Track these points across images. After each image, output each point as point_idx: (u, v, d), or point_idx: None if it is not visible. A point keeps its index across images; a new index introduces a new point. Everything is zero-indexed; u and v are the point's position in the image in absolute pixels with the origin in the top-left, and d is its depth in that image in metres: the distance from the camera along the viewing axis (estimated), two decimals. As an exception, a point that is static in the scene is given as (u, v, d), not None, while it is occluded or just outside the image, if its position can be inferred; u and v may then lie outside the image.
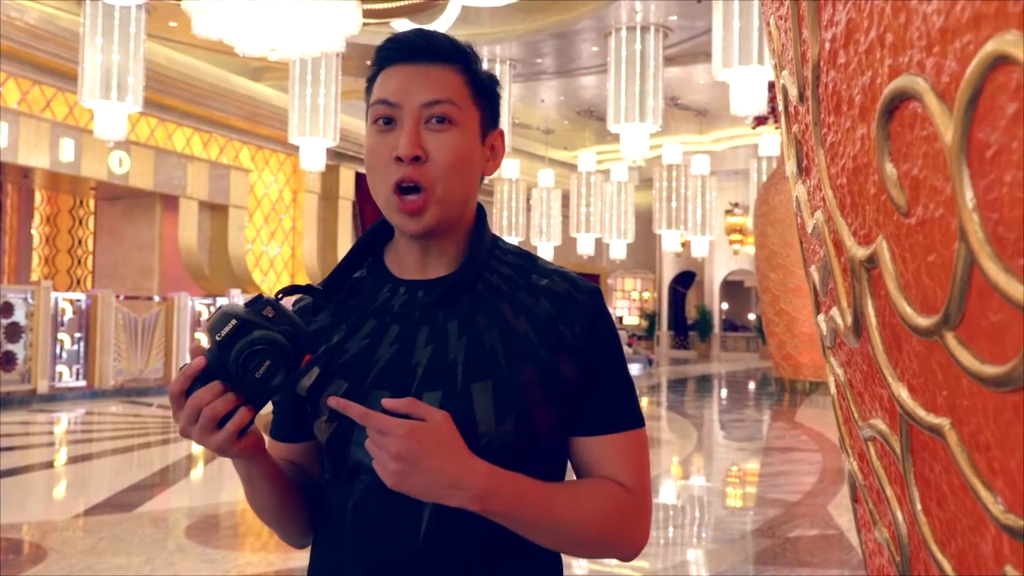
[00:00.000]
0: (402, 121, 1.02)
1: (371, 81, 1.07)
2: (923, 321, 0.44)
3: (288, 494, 1.07)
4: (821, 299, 0.65)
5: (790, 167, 0.70)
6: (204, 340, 1.00)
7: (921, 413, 0.46)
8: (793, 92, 0.62)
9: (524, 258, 1.11)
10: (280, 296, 1.03)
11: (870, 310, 0.50)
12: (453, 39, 1.07)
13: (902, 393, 0.47)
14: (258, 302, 0.97)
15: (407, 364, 1.02)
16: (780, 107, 0.71)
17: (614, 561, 5.22)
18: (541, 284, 1.07)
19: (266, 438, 1.06)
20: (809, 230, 0.64)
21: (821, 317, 0.66)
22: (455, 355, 1.01)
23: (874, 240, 0.48)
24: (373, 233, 1.13)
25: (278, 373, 0.94)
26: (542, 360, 1.02)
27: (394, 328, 1.04)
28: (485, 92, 1.08)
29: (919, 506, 0.48)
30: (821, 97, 0.54)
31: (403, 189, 1.01)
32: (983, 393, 0.40)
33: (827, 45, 0.51)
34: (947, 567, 0.46)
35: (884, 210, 0.46)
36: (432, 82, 1.02)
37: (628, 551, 1.04)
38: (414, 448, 0.92)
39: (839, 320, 0.57)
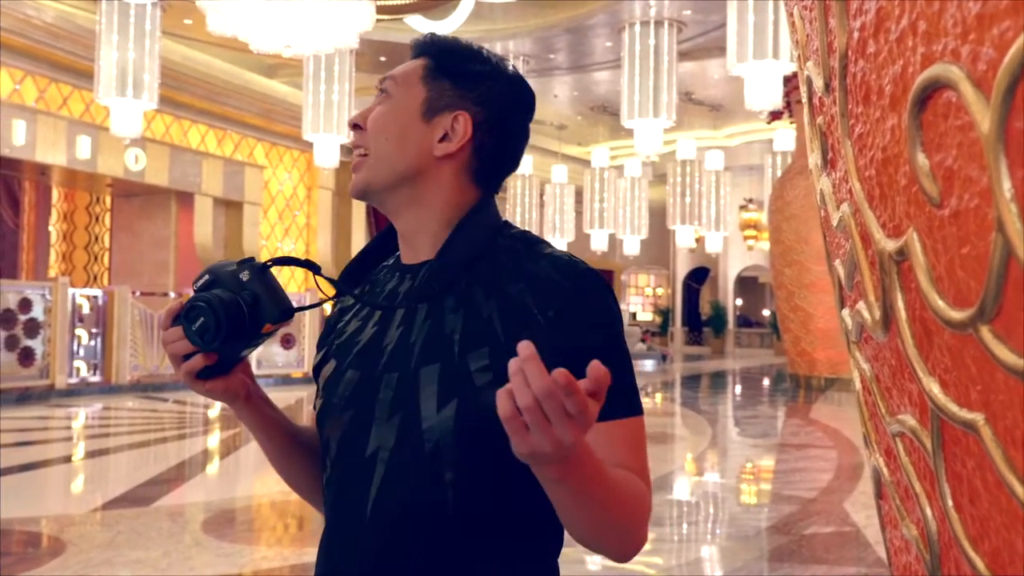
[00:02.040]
0: None
1: None
2: (956, 315, 0.43)
3: (290, 452, 1.14)
4: (846, 293, 0.64)
5: (814, 159, 0.69)
6: None
7: (954, 408, 0.45)
8: (818, 83, 0.61)
9: (526, 244, 1.08)
10: (269, 264, 1.06)
11: (900, 304, 0.49)
12: (446, 39, 1.13)
13: (933, 388, 0.47)
14: (244, 264, 1.04)
15: (379, 346, 1.05)
16: (804, 99, 0.70)
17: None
18: (526, 268, 1.03)
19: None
20: (834, 223, 0.63)
21: (846, 311, 0.65)
22: (415, 338, 1.03)
23: (904, 232, 0.47)
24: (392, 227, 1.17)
25: (208, 332, 1.00)
26: (500, 346, 0.97)
27: (378, 312, 1.09)
28: (443, 75, 1.08)
29: (950, 503, 0.47)
30: (849, 87, 0.53)
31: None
32: (1019, 387, 0.39)
33: (856, 34, 0.51)
34: (979, 565, 0.45)
35: (915, 202, 0.45)
36: (401, 69, 1.12)
37: (631, 549, 0.98)
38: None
39: (866, 314, 0.57)
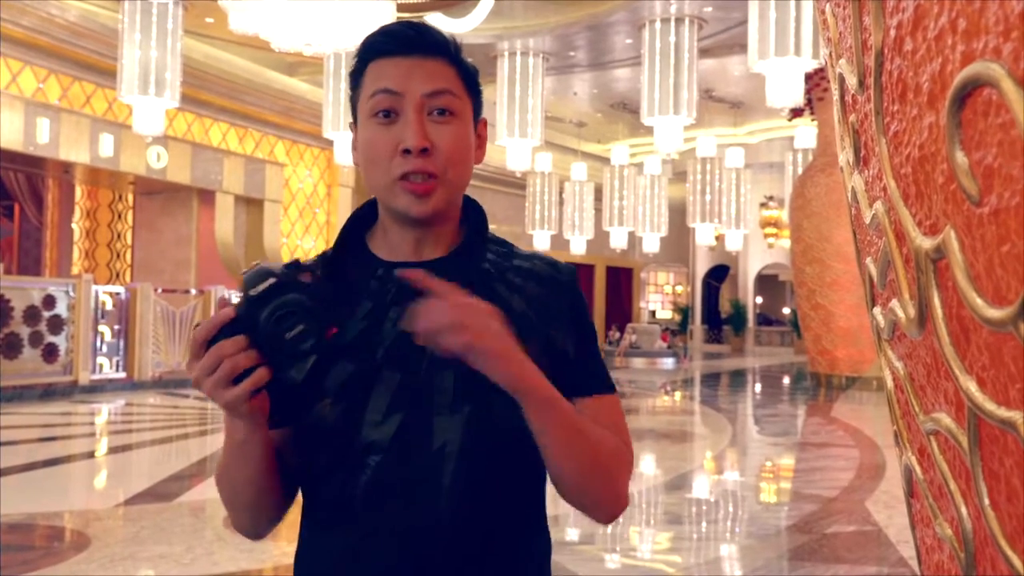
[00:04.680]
0: (404, 112, 1.03)
1: (358, 74, 1.07)
2: (995, 313, 0.43)
3: (271, 473, 1.06)
4: (878, 291, 0.64)
5: (845, 157, 0.69)
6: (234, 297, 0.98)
7: (991, 407, 0.45)
8: (852, 81, 0.61)
9: (503, 244, 1.16)
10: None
11: (936, 302, 0.49)
12: (440, 32, 1.09)
13: (971, 386, 0.47)
14: (295, 265, 0.96)
15: (414, 343, 1.01)
16: (835, 96, 0.70)
17: (647, 555, 5.22)
18: (525, 267, 1.13)
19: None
20: (866, 221, 0.63)
21: (878, 309, 0.65)
22: None
23: (941, 230, 0.47)
24: (357, 218, 1.14)
25: (309, 338, 0.92)
26: (541, 335, 1.07)
27: (395, 309, 1.04)
28: (473, 83, 1.10)
29: (987, 501, 0.47)
30: (884, 85, 0.53)
31: (407, 177, 1.03)
32: (1060, 386, 0.39)
33: (892, 32, 0.50)
34: (1017, 563, 0.45)
35: (953, 199, 0.45)
36: (431, 73, 1.04)
37: (615, 505, 1.08)
38: (484, 312, 0.95)
39: (900, 312, 0.56)
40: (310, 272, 0.97)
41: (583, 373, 1.13)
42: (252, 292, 0.92)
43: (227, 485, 1.07)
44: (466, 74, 1.08)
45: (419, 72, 1.03)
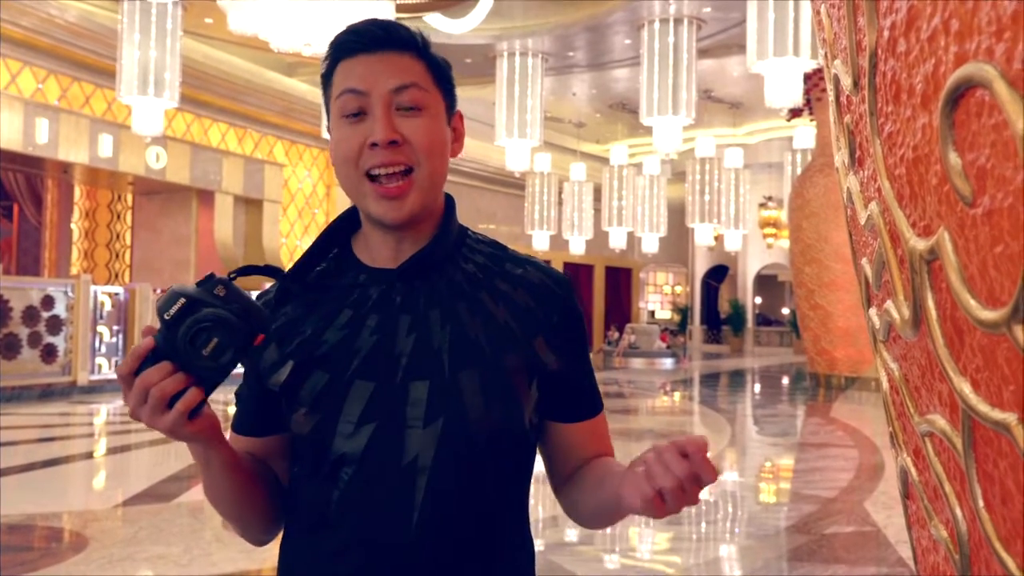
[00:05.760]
0: (372, 109, 1.02)
1: (328, 75, 1.07)
2: (989, 314, 0.43)
3: (249, 485, 1.05)
4: (873, 292, 0.64)
5: (840, 158, 0.69)
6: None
7: (985, 408, 0.45)
8: (846, 82, 0.61)
9: (496, 247, 1.14)
10: (233, 276, 1.01)
11: (930, 303, 0.49)
12: (407, 27, 1.08)
13: (965, 388, 0.46)
14: (209, 281, 0.95)
15: (390, 353, 1.02)
16: (831, 97, 0.70)
17: (646, 555, 5.21)
18: (516, 273, 1.10)
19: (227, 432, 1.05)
20: (861, 222, 0.63)
21: (873, 310, 0.65)
22: (439, 344, 1.02)
23: (935, 231, 0.47)
24: (339, 224, 1.13)
25: (227, 351, 0.92)
26: (523, 348, 1.05)
27: (373, 317, 1.04)
28: (444, 76, 1.09)
29: (981, 503, 0.47)
30: (878, 86, 0.53)
31: (379, 178, 1.01)
32: (1054, 388, 0.39)
33: (886, 33, 0.50)
34: (1011, 565, 0.45)
35: (947, 201, 0.45)
36: (397, 68, 1.03)
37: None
38: None
39: (895, 313, 0.56)
40: (223, 286, 0.95)
41: (579, 397, 1.12)
42: (166, 316, 0.93)
43: (212, 501, 1.07)
44: (435, 68, 1.07)
45: (385, 69, 1.03)
